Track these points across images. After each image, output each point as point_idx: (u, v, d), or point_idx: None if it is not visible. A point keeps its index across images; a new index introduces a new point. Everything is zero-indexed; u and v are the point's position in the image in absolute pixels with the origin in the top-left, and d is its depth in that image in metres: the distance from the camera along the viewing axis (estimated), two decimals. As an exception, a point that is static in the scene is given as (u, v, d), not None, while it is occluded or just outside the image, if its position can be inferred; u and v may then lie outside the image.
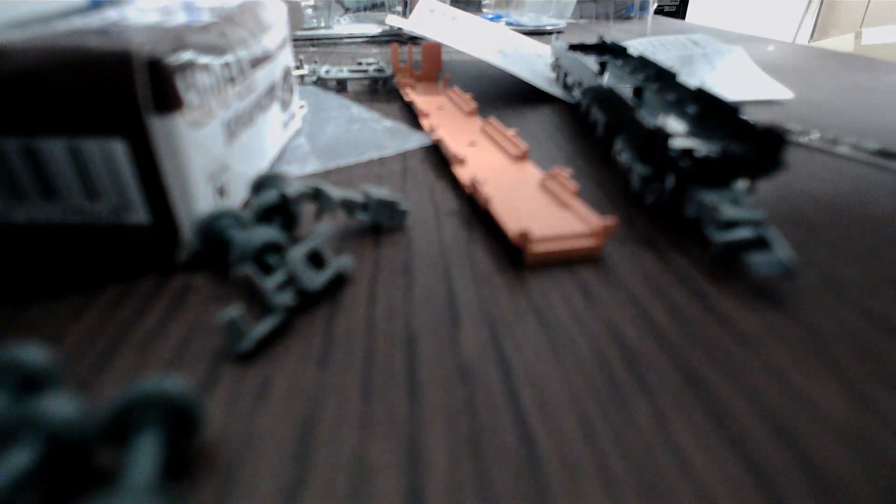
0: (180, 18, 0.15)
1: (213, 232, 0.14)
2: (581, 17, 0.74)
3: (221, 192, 0.15)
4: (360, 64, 0.38)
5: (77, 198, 0.13)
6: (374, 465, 0.09)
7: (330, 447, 0.09)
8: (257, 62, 0.18)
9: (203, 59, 0.14)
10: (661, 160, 0.17)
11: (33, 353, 0.09)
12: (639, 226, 0.17)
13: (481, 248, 0.16)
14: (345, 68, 0.36)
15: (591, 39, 0.37)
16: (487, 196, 0.17)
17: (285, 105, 0.22)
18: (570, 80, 0.30)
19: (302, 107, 0.27)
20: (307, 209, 0.18)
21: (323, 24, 0.60)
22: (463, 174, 0.19)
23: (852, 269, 0.15)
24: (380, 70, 0.35)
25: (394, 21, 0.37)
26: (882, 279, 0.14)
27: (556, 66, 0.33)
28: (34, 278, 0.14)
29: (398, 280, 0.14)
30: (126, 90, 0.12)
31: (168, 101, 0.12)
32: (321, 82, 0.34)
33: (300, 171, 0.21)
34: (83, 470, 0.08)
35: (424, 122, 0.25)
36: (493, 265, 0.15)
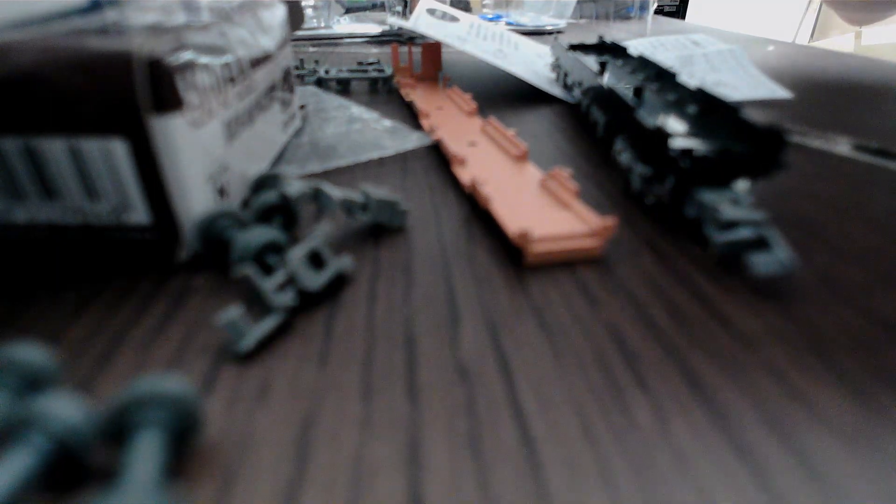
0: (180, 18, 0.15)
1: (213, 232, 0.14)
2: (581, 17, 0.74)
3: (221, 192, 0.15)
4: (360, 64, 0.38)
5: (77, 198, 0.13)
6: (374, 465, 0.09)
7: (330, 447, 0.09)
8: (257, 62, 0.18)
9: (203, 59, 0.14)
10: (661, 160, 0.17)
11: (33, 353, 0.09)
12: (639, 226, 0.17)
13: (481, 248, 0.16)
14: (345, 68, 0.36)
15: (591, 39, 0.37)
16: (487, 196, 0.17)
17: (285, 105, 0.22)
18: (570, 80, 0.30)
19: (302, 107, 0.27)
20: (307, 209, 0.18)
21: (323, 24, 0.60)
22: (463, 174, 0.19)
23: (852, 269, 0.15)
24: (380, 70, 0.35)
25: (394, 21, 0.37)
26: (882, 279, 0.14)
27: (556, 66, 0.33)
28: (34, 278, 0.14)
29: (398, 280, 0.14)
30: (126, 90, 0.12)
31: (168, 101, 0.12)
32: (321, 82, 0.34)
33: (300, 171, 0.21)
34: (83, 470, 0.08)
35: (424, 122, 0.25)
36: (493, 265, 0.15)
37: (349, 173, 0.21)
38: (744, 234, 0.14)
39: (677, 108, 0.22)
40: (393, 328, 0.12)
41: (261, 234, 0.13)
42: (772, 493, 0.09)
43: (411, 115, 0.29)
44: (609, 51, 0.34)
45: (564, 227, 0.16)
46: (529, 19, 0.64)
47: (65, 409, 0.08)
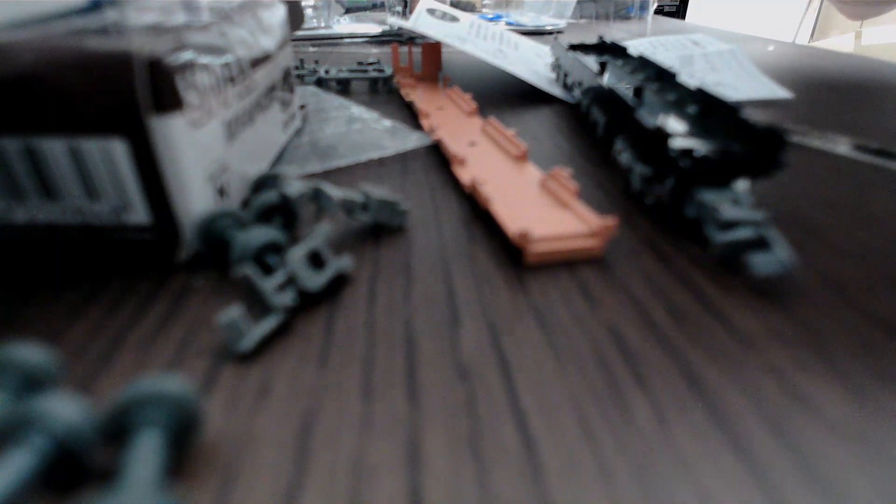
0: (180, 18, 0.15)
1: (213, 232, 0.14)
2: (581, 17, 0.74)
3: (221, 192, 0.15)
4: (360, 64, 0.38)
5: (77, 198, 0.13)
6: (374, 465, 0.09)
7: (330, 447, 0.09)
8: (257, 62, 0.18)
9: (203, 59, 0.14)
10: (661, 160, 0.17)
11: (33, 353, 0.09)
12: (639, 226, 0.17)
13: (481, 248, 0.16)
14: (345, 68, 0.36)
15: (591, 39, 0.37)
16: (487, 196, 0.17)
17: (285, 105, 0.22)
18: (570, 80, 0.30)
19: (302, 107, 0.27)
20: (307, 209, 0.18)
21: (323, 24, 0.60)
22: (463, 174, 0.19)
23: (852, 269, 0.15)
24: (380, 70, 0.35)
25: (394, 21, 0.37)
26: (882, 279, 0.14)
27: (556, 66, 0.33)
28: (34, 278, 0.14)
29: (398, 280, 0.14)
30: (126, 90, 0.12)
31: (168, 101, 0.12)
32: (321, 82, 0.34)
33: (300, 171, 0.21)
34: (83, 470, 0.08)
35: (424, 122, 0.25)
36: (493, 265, 0.15)
37: (349, 173, 0.21)
38: (744, 234, 0.14)
39: (677, 108, 0.22)
40: (393, 328, 0.12)
41: (261, 234, 0.13)
42: (771, 494, 0.09)
43: (411, 115, 0.29)
44: (609, 51, 0.34)
45: (564, 227, 0.16)
46: (529, 19, 0.64)
47: (65, 409, 0.08)
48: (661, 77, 0.25)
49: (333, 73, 0.34)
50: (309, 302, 0.13)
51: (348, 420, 0.10)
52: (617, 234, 0.17)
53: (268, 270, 0.14)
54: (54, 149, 0.12)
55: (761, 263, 0.13)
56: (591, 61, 0.28)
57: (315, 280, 0.13)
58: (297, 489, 0.09)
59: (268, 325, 0.12)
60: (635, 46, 0.38)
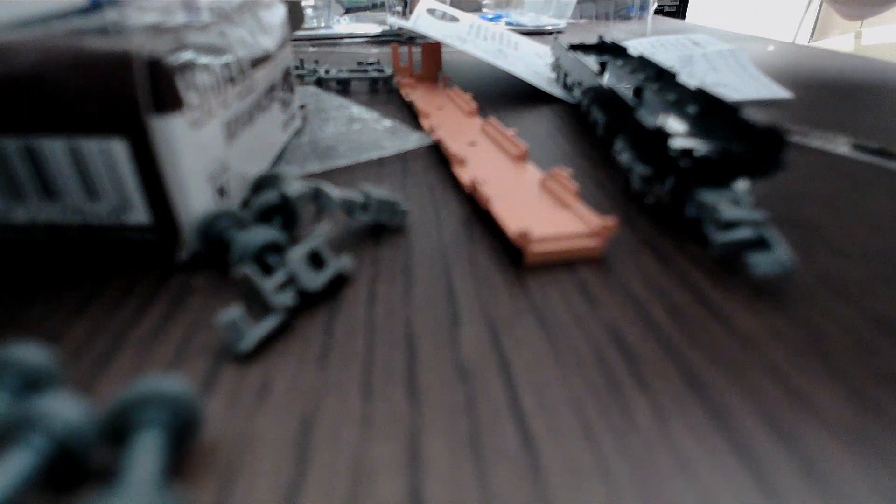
0: (180, 18, 0.15)
1: (213, 232, 0.14)
2: (581, 17, 0.74)
3: (221, 192, 0.15)
4: (360, 64, 0.38)
5: (77, 198, 0.13)
6: (374, 465, 0.09)
7: (330, 447, 0.09)
8: (257, 62, 0.18)
9: (203, 59, 0.14)
10: (661, 160, 0.17)
11: (33, 353, 0.09)
12: (639, 226, 0.17)
13: (481, 248, 0.16)
14: (345, 68, 0.36)
15: (591, 39, 0.37)
16: (487, 196, 0.17)
17: (285, 105, 0.22)
18: (570, 80, 0.30)
19: (302, 107, 0.27)
20: (307, 209, 0.18)
21: (323, 24, 0.60)
22: (463, 174, 0.19)
23: (852, 269, 0.15)
24: (380, 70, 0.35)
25: (394, 21, 0.37)
26: (882, 279, 0.14)
27: (556, 66, 0.33)
28: (34, 278, 0.14)
29: (398, 280, 0.14)
30: (126, 90, 0.12)
31: (168, 101, 0.12)
32: (321, 82, 0.34)
33: (300, 171, 0.21)
34: (83, 470, 0.08)
35: (424, 122, 0.25)
36: (493, 265, 0.15)
37: (349, 173, 0.21)
38: (744, 234, 0.14)
39: (677, 108, 0.22)
40: (393, 328, 0.12)
41: (261, 234, 0.13)
42: (771, 494, 0.09)
43: (411, 115, 0.29)
44: (609, 51, 0.34)
45: (564, 227, 0.16)
46: (529, 19, 0.64)
47: (65, 409, 0.08)
48: (661, 77, 0.25)
49: (333, 73, 0.34)
50: (309, 302, 0.13)
51: (348, 420, 0.10)
52: (617, 234, 0.17)
53: (268, 270, 0.14)
54: (54, 149, 0.12)
55: (761, 263, 0.13)
56: (591, 61, 0.28)
57: (315, 280, 0.13)
58: (297, 489, 0.09)
59: (268, 325, 0.12)
60: (635, 46, 0.38)
